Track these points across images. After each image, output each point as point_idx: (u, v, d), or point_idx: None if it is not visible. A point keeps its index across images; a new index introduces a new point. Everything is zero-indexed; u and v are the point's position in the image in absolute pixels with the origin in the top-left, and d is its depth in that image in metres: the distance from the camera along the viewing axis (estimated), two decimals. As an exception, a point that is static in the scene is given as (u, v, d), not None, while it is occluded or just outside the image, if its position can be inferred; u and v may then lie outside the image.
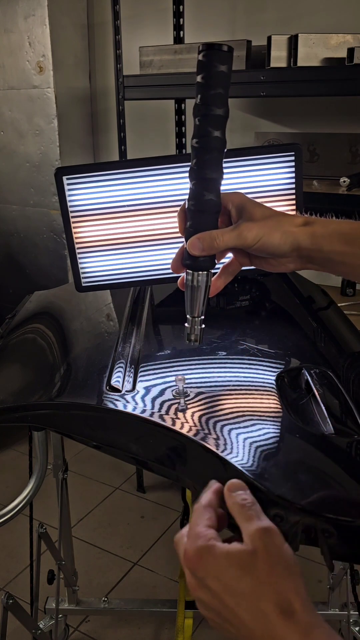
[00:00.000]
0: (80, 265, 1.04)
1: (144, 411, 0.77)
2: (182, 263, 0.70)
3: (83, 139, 2.59)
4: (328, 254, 0.65)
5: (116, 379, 0.87)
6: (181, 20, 2.12)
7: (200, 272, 0.69)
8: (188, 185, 0.68)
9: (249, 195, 0.71)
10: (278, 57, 1.69)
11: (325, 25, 1.91)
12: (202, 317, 0.72)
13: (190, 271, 0.69)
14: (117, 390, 0.84)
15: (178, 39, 2.14)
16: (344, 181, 1.74)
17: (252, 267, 0.73)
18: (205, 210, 0.67)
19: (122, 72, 1.97)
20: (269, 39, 1.68)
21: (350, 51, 1.60)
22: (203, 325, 0.72)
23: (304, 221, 0.67)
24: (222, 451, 0.66)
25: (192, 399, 0.79)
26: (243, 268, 0.74)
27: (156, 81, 1.93)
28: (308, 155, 2.02)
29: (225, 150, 0.67)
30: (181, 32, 2.13)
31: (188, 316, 0.72)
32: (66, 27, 2.39)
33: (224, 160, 0.67)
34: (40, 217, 2.57)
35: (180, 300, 0.74)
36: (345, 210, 1.79)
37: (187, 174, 0.68)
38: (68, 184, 0.99)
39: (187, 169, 0.68)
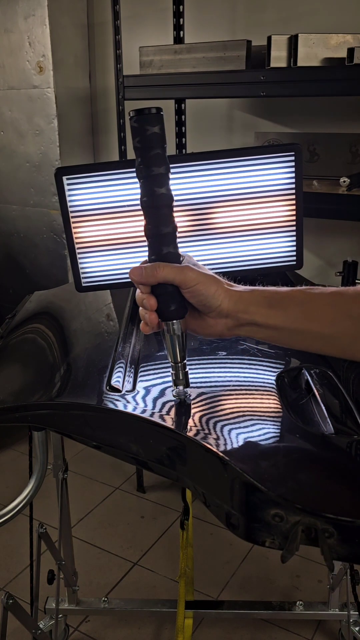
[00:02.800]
0: (80, 265, 1.04)
1: (144, 411, 0.77)
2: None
3: (83, 139, 2.59)
4: (253, 315, 0.69)
5: (116, 379, 0.87)
6: (181, 20, 2.12)
7: (175, 321, 0.72)
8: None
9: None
10: (278, 57, 1.69)
11: (325, 25, 1.91)
12: (185, 361, 0.76)
13: (164, 321, 0.73)
14: (117, 390, 0.84)
15: (178, 39, 2.14)
16: (344, 181, 1.74)
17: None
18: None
19: (122, 72, 1.97)
20: (269, 39, 1.68)
21: (350, 51, 1.59)
22: (187, 369, 0.76)
23: (232, 285, 0.71)
24: (222, 451, 0.66)
25: (192, 399, 0.79)
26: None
27: (156, 81, 1.93)
28: (308, 155, 2.02)
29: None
30: (181, 32, 2.13)
31: (172, 363, 0.76)
32: (66, 27, 2.39)
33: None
34: (40, 217, 2.57)
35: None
36: (345, 210, 1.80)
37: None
38: (68, 184, 0.99)
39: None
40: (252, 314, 0.68)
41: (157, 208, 0.70)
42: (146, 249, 1.02)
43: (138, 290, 0.73)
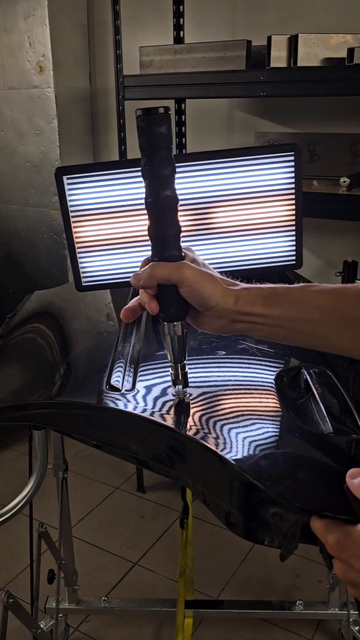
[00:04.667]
0: (80, 265, 1.04)
1: (144, 410, 0.77)
2: (157, 316, 0.73)
3: (83, 139, 2.59)
4: (249, 316, 0.68)
5: (116, 378, 0.87)
6: (181, 20, 2.12)
7: (175, 323, 0.72)
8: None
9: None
10: (278, 57, 1.69)
11: (325, 25, 1.91)
12: (185, 362, 0.75)
13: (165, 323, 0.72)
14: (117, 390, 0.84)
15: (178, 39, 2.14)
16: (344, 181, 1.74)
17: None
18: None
19: (122, 72, 1.97)
20: (269, 39, 1.68)
21: (350, 51, 1.60)
22: (187, 369, 0.76)
23: (230, 283, 0.71)
24: (222, 450, 0.66)
25: (191, 398, 0.79)
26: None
27: (156, 81, 1.93)
28: (308, 155, 2.02)
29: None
30: (181, 32, 2.13)
31: (171, 363, 0.75)
32: (66, 27, 2.39)
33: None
34: (40, 217, 2.57)
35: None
36: (345, 210, 1.80)
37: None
38: (68, 184, 0.99)
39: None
40: (249, 314, 0.68)
41: (161, 210, 0.69)
42: (146, 248, 1.03)
43: (141, 291, 0.72)
